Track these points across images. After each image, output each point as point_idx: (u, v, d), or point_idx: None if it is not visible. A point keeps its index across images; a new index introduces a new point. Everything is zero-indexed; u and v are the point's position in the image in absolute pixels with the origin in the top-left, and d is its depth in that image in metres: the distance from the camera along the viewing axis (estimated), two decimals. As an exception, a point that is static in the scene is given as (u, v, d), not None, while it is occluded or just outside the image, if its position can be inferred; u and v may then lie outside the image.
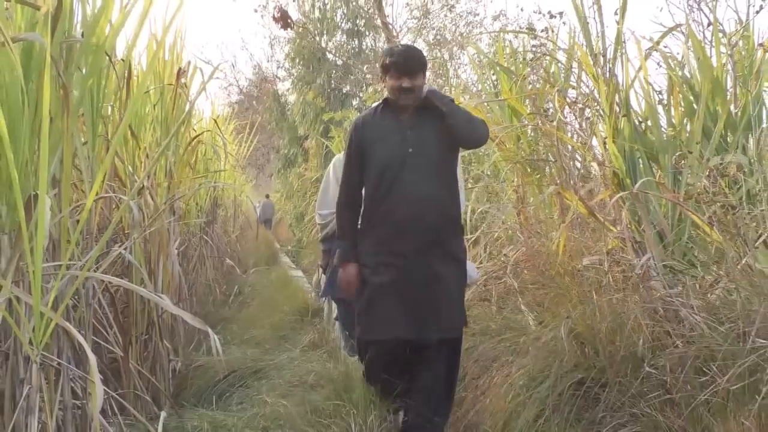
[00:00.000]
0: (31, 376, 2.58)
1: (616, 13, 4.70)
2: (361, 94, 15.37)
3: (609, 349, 3.79)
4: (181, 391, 4.79)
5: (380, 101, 3.97)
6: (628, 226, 4.34)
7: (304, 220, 14.38)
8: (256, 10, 16.76)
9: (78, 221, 3.11)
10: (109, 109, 3.96)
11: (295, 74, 16.18)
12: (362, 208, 3.93)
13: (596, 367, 3.85)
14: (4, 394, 2.65)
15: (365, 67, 15.74)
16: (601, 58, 4.76)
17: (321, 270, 6.01)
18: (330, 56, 16.10)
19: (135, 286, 3.32)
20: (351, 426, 3.92)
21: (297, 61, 16.21)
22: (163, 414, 3.62)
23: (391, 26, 13.31)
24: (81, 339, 2.65)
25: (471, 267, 4.30)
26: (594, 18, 4.88)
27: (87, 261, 2.89)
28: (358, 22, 15.89)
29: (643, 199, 4.27)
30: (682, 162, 4.23)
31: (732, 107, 4.79)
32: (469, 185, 7.35)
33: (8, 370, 2.69)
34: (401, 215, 3.70)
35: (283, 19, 12.59)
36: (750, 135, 4.55)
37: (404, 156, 3.70)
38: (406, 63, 3.69)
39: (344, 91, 15.72)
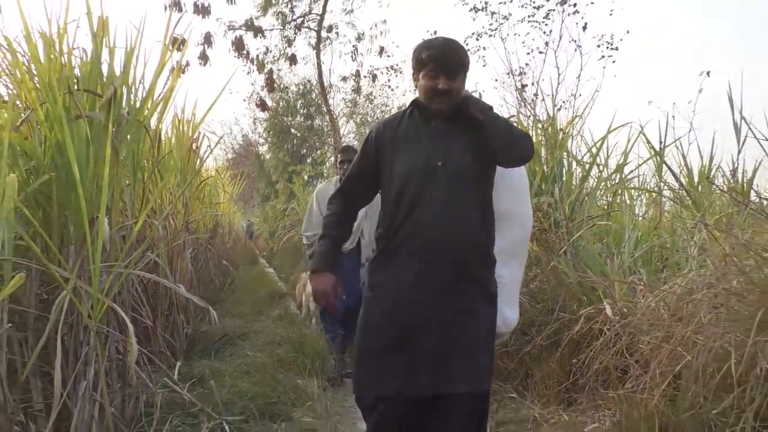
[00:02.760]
0: (89, 339, 2.50)
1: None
2: (313, 155, 15.34)
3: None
4: (191, 349, 4.66)
5: (409, 105, 2.27)
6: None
7: (274, 236, 14.14)
8: (244, 100, 16.85)
9: (123, 236, 3.05)
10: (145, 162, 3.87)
11: (270, 141, 16.10)
12: (379, 229, 2.21)
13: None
14: (69, 352, 2.55)
15: (315, 138, 15.76)
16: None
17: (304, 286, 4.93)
18: (293, 131, 16.03)
19: (160, 278, 3.24)
20: (304, 369, 3.90)
21: (271, 133, 16.16)
22: (178, 363, 3.53)
23: (332, 112, 13.26)
24: (123, 314, 2.58)
25: (511, 311, 2.29)
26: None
27: (129, 263, 2.82)
28: (310, 108, 15.87)
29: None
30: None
31: (545, 167, 4.92)
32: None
33: (73, 336, 2.60)
34: (424, 240, 2.04)
35: (262, 105, 12.50)
36: (555, 185, 4.68)
37: (432, 169, 2.06)
38: (445, 60, 2.07)
39: (302, 153, 15.65)
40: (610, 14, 6.78)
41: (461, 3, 7.44)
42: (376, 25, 11.97)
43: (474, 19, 7.39)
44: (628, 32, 6.66)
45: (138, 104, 3.22)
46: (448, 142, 2.12)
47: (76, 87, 2.79)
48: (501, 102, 6.73)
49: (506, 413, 3.16)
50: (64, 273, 2.52)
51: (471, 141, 2.10)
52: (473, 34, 7.48)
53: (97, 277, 2.47)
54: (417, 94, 2.22)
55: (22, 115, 2.75)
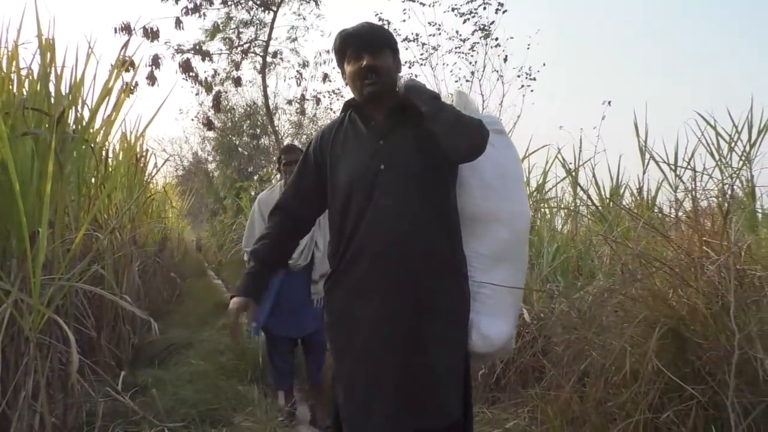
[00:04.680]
0: (29, 350, 2.40)
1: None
2: (260, 172, 15.18)
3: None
4: (137, 359, 4.52)
5: (343, 108, 1.92)
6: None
7: (222, 249, 13.88)
8: (192, 119, 16.58)
9: (68, 249, 2.95)
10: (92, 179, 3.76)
11: (218, 159, 15.84)
12: (330, 248, 1.87)
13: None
14: (9, 363, 2.45)
15: (262, 156, 15.62)
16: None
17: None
18: (240, 149, 15.83)
19: (103, 291, 3.14)
20: (245, 376, 3.85)
21: (219, 151, 15.91)
22: (122, 373, 3.42)
23: (278, 132, 13.19)
24: (64, 325, 2.50)
25: (494, 326, 1.80)
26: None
27: (72, 275, 2.74)
28: (256, 129, 15.71)
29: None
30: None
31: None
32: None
33: (13, 347, 2.50)
34: (375, 256, 1.70)
35: (208, 123, 12.32)
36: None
37: (374, 174, 1.72)
38: (363, 37, 1.76)
39: (249, 170, 15.46)
40: (528, 48, 7.04)
41: (395, 34, 7.57)
42: (320, 54, 12.08)
43: (407, 49, 7.52)
44: (544, 64, 6.95)
45: (85, 123, 3.15)
46: (391, 141, 1.76)
47: (24, 106, 2.70)
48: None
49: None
50: (5, 286, 2.43)
51: (419, 137, 1.73)
52: (405, 62, 7.62)
53: (37, 289, 2.39)
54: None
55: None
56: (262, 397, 3.46)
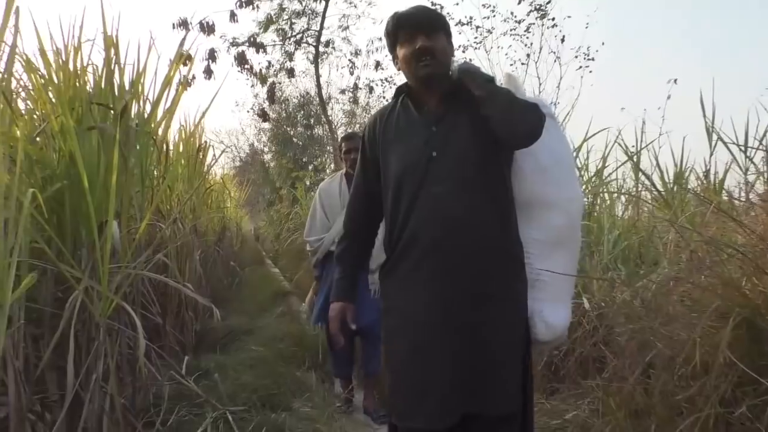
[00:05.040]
0: (99, 335, 2.50)
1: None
2: (314, 162, 15.35)
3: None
4: (199, 345, 4.66)
5: (395, 93, 1.86)
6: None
7: (279, 238, 14.15)
8: (248, 111, 16.84)
9: (133, 239, 3.05)
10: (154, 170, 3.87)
11: (274, 150, 16.10)
12: (385, 236, 1.84)
13: None
14: (81, 347, 2.56)
15: (316, 146, 15.78)
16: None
17: (314, 295, 3.93)
18: (294, 140, 16.01)
19: (167, 279, 3.23)
20: (304, 362, 3.91)
21: (274, 142, 16.16)
22: (186, 358, 3.53)
23: (332, 122, 13.28)
24: (131, 311, 2.59)
25: (540, 311, 1.77)
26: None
27: (137, 264, 2.84)
28: (310, 119, 15.85)
29: None
30: None
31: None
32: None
33: (85, 332, 2.61)
34: (427, 246, 1.66)
35: (263, 115, 12.49)
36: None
37: (427, 161, 1.67)
38: (417, 18, 1.71)
39: (303, 161, 15.64)
40: (586, 27, 6.81)
41: (448, 17, 7.46)
42: (372, 42, 12.07)
43: (460, 33, 7.40)
44: (603, 44, 6.71)
45: (146, 116, 3.24)
46: (444, 127, 1.70)
47: (90, 101, 2.80)
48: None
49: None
50: (76, 273, 2.53)
51: (473, 122, 1.67)
52: (459, 47, 7.49)
53: (105, 276, 2.48)
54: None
55: (38, 127, 2.77)
56: (320, 384, 3.50)
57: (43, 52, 2.66)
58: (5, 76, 2.23)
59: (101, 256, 2.45)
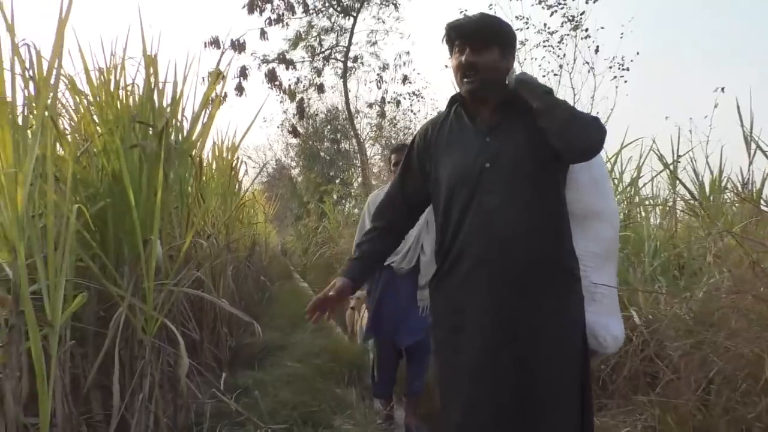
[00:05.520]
0: (144, 353, 2.49)
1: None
2: (341, 176, 15.39)
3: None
4: (234, 360, 4.65)
5: (449, 101, 1.82)
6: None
7: (307, 253, 14.19)
8: (277, 127, 16.95)
9: (171, 256, 3.06)
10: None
11: (302, 164, 16.20)
12: (435, 246, 1.79)
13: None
14: (125, 365, 2.55)
15: (343, 161, 15.82)
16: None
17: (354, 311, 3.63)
18: (322, 154, 16.10)
19: (207, 295, 3.22)
20: (342, 378, 3.86)
21: (302, 157, 16.25)
22: (224, 375, 3.51)
23: (359, 135, 13.31)
24: (174, 329, 2.58)
25: (605, 324, 1.74)
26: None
27: (178, 281, 2.83)
28: (337, 134, 15.93)
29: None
30: None
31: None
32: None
33: (129, 350, 2.61)
34: (478, 258, 1.61)
35: (294, 131, 12.58)
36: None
37: (479, 172, 1.62)
38: (469, 30, 1.64)
39: (330, 174, 15.70)
40: (621, 37, 6.73)
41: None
42: (399, 56, 12.12)
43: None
44: (638, 53, 6.62)
45: (184, 134, 3.26)
46: (498, 138, 1.65)
47: (132, 119, 2.82)
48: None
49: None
50: (119, 291, 2.53)
51: (528, 134, 1.61)
52: None
53: (151, 294, 2.48)
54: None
55: (81, 147, 2.80)
56: (360, 400, 3.45)
57: (87, 72, 2.69)
58: (52, 97, 2.25)
59: (146, 273, 2.44)
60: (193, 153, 3.42)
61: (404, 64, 11.97)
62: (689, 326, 2.48)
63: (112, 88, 2.86)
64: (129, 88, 3.00)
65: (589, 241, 1.74)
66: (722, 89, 4.87)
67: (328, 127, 15.47)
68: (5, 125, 1.65)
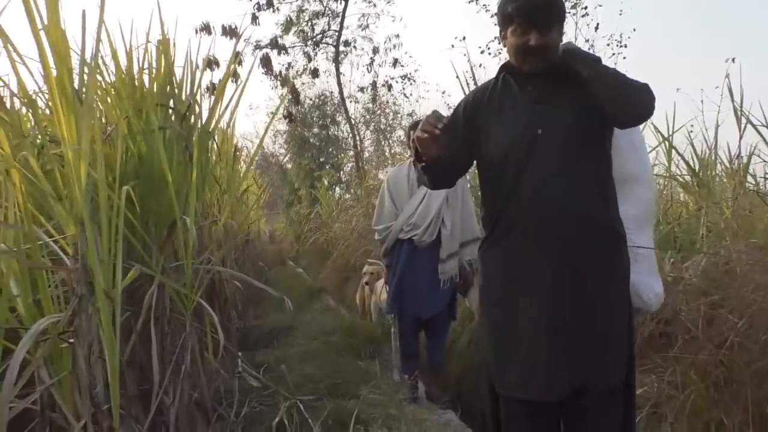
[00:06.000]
0: (185, 329, 2.56)
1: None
2: (332, 161, 15.36)
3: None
4: (242, 343, 4.71)
5: (498, 71, 1.84)
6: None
7: (300, 239, 14.22)
8: (270, 113, 16.86)
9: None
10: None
11: (291, 151, 16.16)
12: (482, 212, 1.88)
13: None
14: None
15: (332, 146, 15.79)
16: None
17: (386, 287, 3.66)
18: (311, 140, 16.05)
19: (237, 273, 3.27)
20: (358, 353, 3.95)
21: (291, 143, 16.19)
22: (240, 354, 3.58)
23: (352, 120, 13.31)
24: (209, 308, 2.64)
25: (648, 283, 1.86)
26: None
27: (202, 261, 2.89)
28: (326, 119, 15.87)
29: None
30: None
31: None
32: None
33: (159, 328, 2.65)
34: (532, 223, 1.68)
35: (289, 116, 12.54)
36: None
37: (532, 139, 1.68)
38: (536, 10, 1.64)
39: (320, 160, 15.67)
40: (620, 14, 6.87)
41: (484, 10, 7.49)
42: (389, 39, 12.12)
43: (495, 25, 7.44)
44: (634, 30, 6.75)
45: (202, 118, 3.30)
46: (549, 105, 1.70)
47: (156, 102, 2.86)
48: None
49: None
50: (149, 271, 2.58)
51: (577, 101, 1.67)
52: (495, 38, 7.53)
53: (189, 273, 2.53)
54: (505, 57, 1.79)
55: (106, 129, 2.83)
56: (384, 371, 3.55)
57: (115, 55, 2.72)
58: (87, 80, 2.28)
59: (185, 252, 2.49)
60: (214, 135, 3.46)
61: (394, 47, 12.02)
62: (703, 288, 2.59)
63: (135, 72, 2.89)
64: (150, 71, 3.03)
65: (630, 204, 1.81)
66: (733, 60, 4.92)
67: (317, 112, 15.43)
68: (69, 105, 1.70)
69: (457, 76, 5.97)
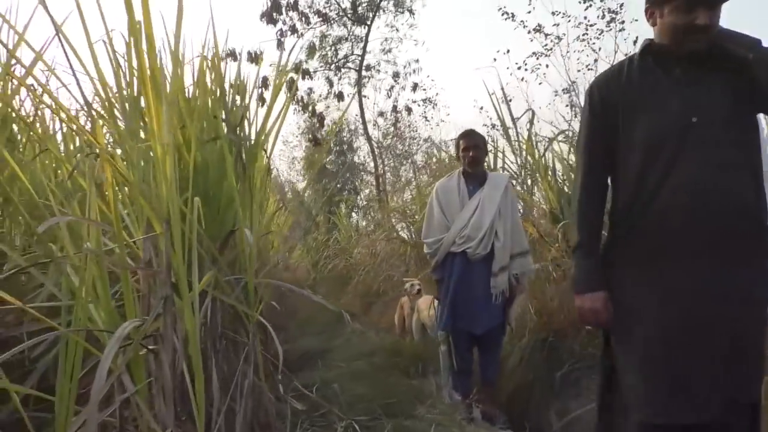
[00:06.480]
0: (251, 341, 2.47)
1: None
2: (348, 187, 15.37)
3: (560, 317, 3.69)
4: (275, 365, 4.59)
5: (639, 51, 1.72)
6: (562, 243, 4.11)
7: (317, 266, 14.15)
8: (297, 137, 16.90)
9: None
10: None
11: (309, 177, 16.21)
12: (613, 209, 1.76)
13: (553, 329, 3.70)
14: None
15: (347, 174, 15.81)
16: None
17: (437, 302, 3.49)
18: (328, 167, 16.09)
19: (295, 288, 3.19)
20: (408, 372, 3.83)
21: (309, 170, 16.25)
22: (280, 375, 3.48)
23: (373, 143, 13.34)
24: (268, 325, 2.57)
25: None
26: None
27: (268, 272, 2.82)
28: (343, 146, 15.92)
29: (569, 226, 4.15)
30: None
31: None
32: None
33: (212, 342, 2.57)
34: (686, 215, 1.56)
35: (315, 140, 12.58)
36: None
37: (687, 127, 1.56)
38: None
39: (338, 186, 15.68)
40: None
41: (522, 26, 7.61)
42: (409, 64, 12.23)
43: (531, 40, 7.60)
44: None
45: (251, 131, 3.27)
46: (700, 91, 1.59)
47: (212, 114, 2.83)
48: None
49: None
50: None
51: (730, 86, 1.58)
52: (533, 54, 7.62)
53: (252, 284, 2.46)
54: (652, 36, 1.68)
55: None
56: (438, 390, 3.43)
57: (178, 64, 2.69)
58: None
59: (248, 265, 2.43)
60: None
61: (413, 72, 12.09)
62: None
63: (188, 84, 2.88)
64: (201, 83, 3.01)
65: None
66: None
67: (334, 138, 15.49)
68: (158, 100, 1.66)
69: (493, 93, 5.98)
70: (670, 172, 1.58)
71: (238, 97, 3.09)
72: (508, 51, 7.34)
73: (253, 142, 3.06)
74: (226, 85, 3.13)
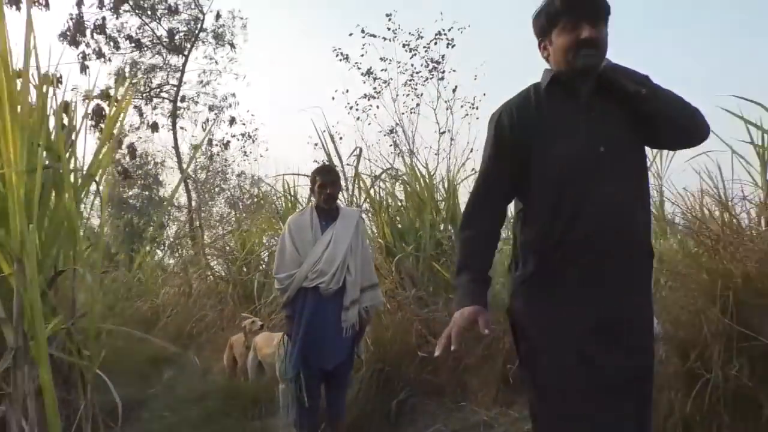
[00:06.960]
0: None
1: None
2: (152, 224, 14.34)
3: (395, 347, 3.82)
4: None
5: (543, 79, 1.66)
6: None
7: (114, 310, 12.93)
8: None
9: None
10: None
11: (108, 212, 14.87)
12: (520, 242, 1.66)
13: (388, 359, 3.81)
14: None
15: (152, 208, 14.80)
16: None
17: (287, 338, 3.30)
18: (130, 201, 14.91)
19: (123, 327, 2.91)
20: (247, 413, 3.68)
21: (108, 204, 14.92)
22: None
23: (187, 177, 12.66)
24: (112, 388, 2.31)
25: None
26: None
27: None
28: (149, 179, 14.86)
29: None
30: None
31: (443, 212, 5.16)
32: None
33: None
34: (601, 247, 1.52)
35: (125, 173, 11.54)
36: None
37: (595, 157, 1.54)
38: (588, 4, 1.55)
39: (140, 223, 14.54)
40: (475, 79, 7.90)
41: (355, 68, 7.92)
42: (225, 98, 11.96)
43: (364, 83, 8.02)
44: (484, 94, 7.76)
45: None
46: (606, 121, 1.56)
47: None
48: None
49: (455, 422, 3.29)
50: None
51: (627, 120, 1.56)
52: (364, 95, 8.09)
53: (93, 335, 2.22)
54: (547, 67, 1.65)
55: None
56: (286, 428, 3.35)
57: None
58: None
59: (91, 309, 2.20)
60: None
61: (230, 106, 11.83)
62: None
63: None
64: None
65: None
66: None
67: (139, 171, 14.50)
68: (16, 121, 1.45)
69: (324, 131, 6.18)
70: (583, 206, 1.54)
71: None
72: (347, 90, 7.71)
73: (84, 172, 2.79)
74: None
